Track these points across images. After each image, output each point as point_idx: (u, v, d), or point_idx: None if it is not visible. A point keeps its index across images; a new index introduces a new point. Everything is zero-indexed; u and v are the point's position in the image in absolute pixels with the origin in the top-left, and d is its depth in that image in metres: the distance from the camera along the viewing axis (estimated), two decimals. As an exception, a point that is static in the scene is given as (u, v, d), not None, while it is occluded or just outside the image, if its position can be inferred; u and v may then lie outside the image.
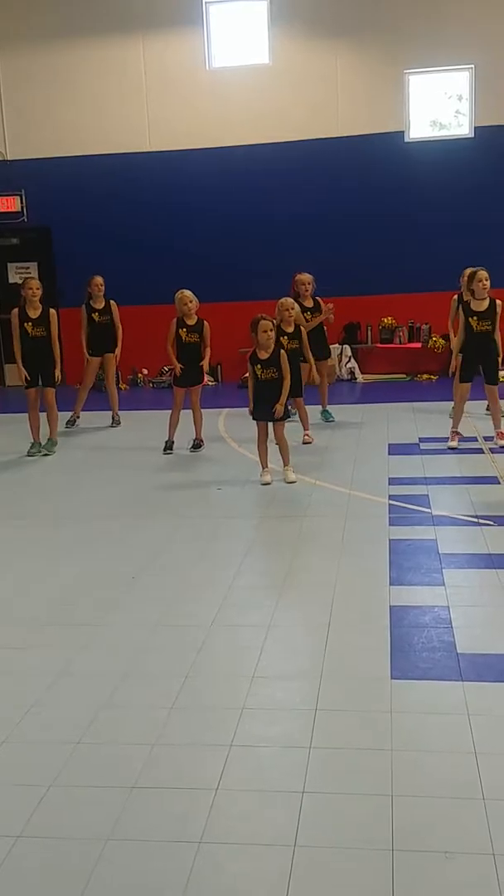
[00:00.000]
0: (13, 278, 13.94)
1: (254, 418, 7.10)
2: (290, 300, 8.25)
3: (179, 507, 6.51)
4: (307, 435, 8.34)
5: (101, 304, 9.60)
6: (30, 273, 13.49)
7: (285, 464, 7.04)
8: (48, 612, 4.60)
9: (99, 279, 9.55)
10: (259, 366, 6.95)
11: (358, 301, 12.83)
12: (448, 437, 7.99)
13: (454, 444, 7.87)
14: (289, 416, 8.13)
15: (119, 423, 9.88)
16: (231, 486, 6.97)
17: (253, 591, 4.76)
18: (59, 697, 3.65)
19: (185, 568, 5.20)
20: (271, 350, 6.92)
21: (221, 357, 13.05)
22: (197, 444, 8.25)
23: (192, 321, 8.13)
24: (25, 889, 2.54)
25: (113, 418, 9.90)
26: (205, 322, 8.19)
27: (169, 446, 8.26)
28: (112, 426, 9.81)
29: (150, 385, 13.02)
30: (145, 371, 13.19)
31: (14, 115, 13.31)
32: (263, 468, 7.03)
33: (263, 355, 6.93)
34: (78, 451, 8.61)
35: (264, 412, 7.00)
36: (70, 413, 9.74)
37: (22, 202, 13.48)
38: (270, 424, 7.04)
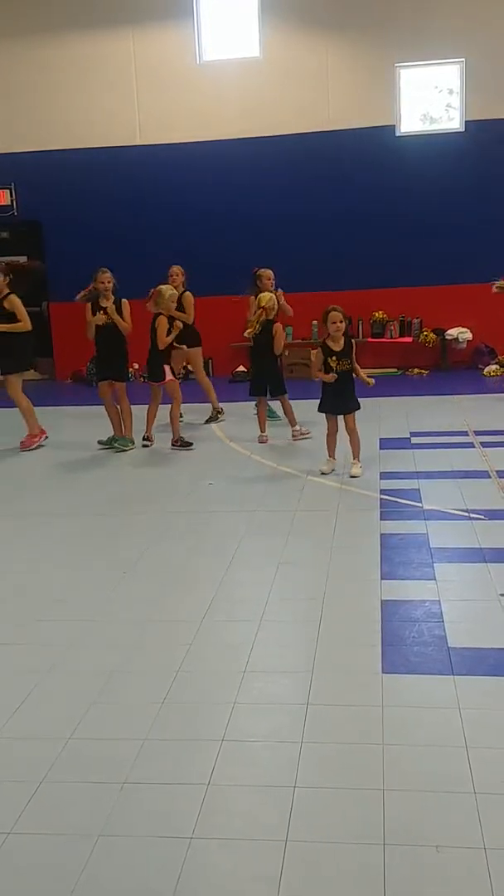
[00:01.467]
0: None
1: (324, 411, 7.03)
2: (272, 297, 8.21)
3: (171, 502, 6.50)
4: (296, 431, 8.29)
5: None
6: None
7: (354, 457, 6.97)
8: (38, 608, 4.58)
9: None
10: (333, 357, 6.86)
11: (349, 295, 12.76)
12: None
13: None
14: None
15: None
16: (222, 481, 6.96)
17: (244, 586, 4.76)
18: (50, 694, 3.64)
19: (177, 563, 5.19)
20: (343, 342, 6.86)
21: (212, 352, 13.04)
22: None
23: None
24: (16, 886, 2.54)
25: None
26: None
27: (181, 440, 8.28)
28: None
29: (143, 380, 12.96)
30: (136, 366, 13.15)
31: (3, 109, 13.22)
32: (330, 457, 7.00)
33: (336, 347, 6.87)
34: (70, 448, 8.57)
35: (337, 405, 6.96)
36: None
37: (12, 196, 13.41)
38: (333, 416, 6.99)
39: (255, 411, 8.39)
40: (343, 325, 6.83)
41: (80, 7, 12.77)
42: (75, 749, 3.19)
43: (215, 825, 2.75)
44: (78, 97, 13.01)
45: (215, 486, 6.83)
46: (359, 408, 7.02)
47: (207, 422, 9.27)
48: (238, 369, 12.74)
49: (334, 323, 6.78)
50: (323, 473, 6.88)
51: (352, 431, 6.97)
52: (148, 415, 8.41)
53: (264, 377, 8.28)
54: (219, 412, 9.38)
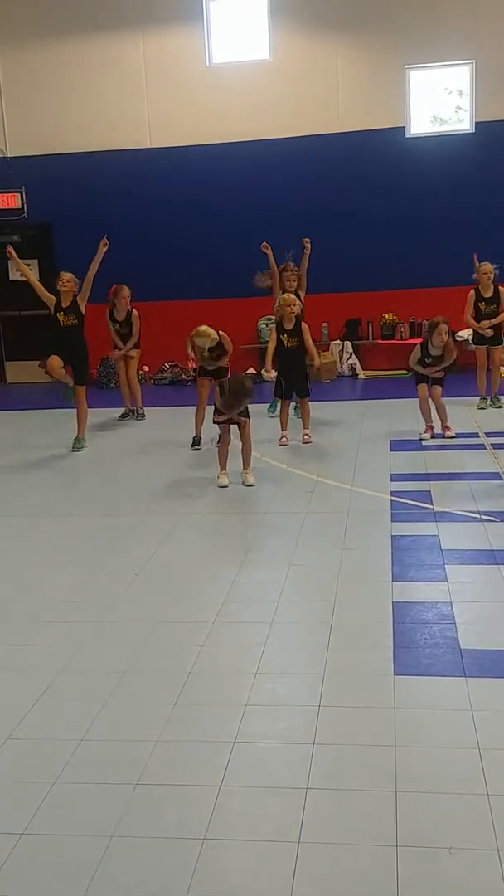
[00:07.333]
0: (13, 275, 13.93)
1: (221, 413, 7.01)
2: (292, 296, 8.24)
3: (181, 503, 6.50)
4: (306, 434, 8.28)
5: (122, 317, 9.93)
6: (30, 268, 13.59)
7: (245, 466, 6.94)
8: (50, 608, 4.59)
9: (126, 291, 9.82)
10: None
11: (359, 297, 12.82)
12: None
13: None
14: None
15: (143, 416, 10.05)
16: (233, 482, 6.96)
17: (255, 587, 4.76)
18: (63, 694, 3.64)
19: (188, 564, 5.19)
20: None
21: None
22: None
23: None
24: (29, 886, 2.54)
25: (137, 412, 10.08)
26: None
27: (196, 442, 8.25)
28: (136, 419, 10.02)
29: (152, 382, 13.00)
30: (146, 368, 13.17)
31: (14, 112, 13.30)
32: (222, 470, 6.95)
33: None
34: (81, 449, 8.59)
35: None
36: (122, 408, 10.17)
37: (22, 199, 13.47)
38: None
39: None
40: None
41: (89, 10, 12.82)
42: (88, 749, 3.20)
43: (228, 826, 2.75)
44: (88, 100, 13.06)
45: (226, 489, 6.80)
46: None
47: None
48: (247, 371, 12.72)
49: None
50: (223, 486, 6.80)
51: (246, 440, 6.91)
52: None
53: None
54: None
